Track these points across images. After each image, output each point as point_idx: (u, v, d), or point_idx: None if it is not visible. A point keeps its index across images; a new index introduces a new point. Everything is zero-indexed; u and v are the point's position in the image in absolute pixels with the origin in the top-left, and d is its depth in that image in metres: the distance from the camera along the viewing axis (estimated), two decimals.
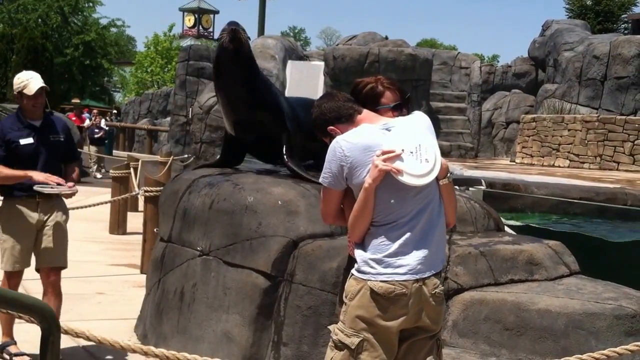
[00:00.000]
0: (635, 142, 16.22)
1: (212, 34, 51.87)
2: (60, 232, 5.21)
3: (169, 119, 25.34)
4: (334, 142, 3.10)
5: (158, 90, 34.89)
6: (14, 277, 5.15)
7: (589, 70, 19.21)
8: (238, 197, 4.90)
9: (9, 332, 5.14)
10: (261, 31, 25.67)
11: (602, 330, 4.26)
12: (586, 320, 4.28)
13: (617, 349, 3.59)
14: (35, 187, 4.95)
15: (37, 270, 5.20)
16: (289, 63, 21.74)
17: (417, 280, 3.00)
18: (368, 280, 3.01)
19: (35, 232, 5.14)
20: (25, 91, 5.09)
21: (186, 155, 18.19)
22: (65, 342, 4.01)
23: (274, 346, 4.61)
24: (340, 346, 3.06)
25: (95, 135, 21.65)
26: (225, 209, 4.91)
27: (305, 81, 20.90)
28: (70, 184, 5.13)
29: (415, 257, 3.01)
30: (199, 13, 51.74)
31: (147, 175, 10.39)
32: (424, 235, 3.05)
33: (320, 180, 3.16)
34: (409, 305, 3.00)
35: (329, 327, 3.22)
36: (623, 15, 29.20)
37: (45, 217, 5.15)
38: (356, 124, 3.16)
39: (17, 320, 3.44)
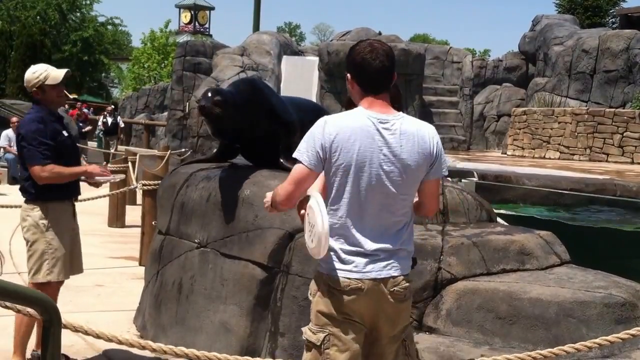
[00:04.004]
0: (624, 134, 16.34)
1: (208, 30, 51.87)
2: (79, 237, 5.07)
3: (166, 113, 25.31)
4: (320, 120, 3.00)
5: (155, 86, 34.75)
6: (55, 286, 4.81)
7: (578, 64, 19.32)
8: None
9: (22, 352, 4.78)
10: (256, 27, 25.61)
11: (593, 319, 4.31)
12: (577, 309, 4.33)
13: (609, 337, 3.60)
14: (98, 179, 4.88)
15: None
16: (284, 58, 21.79)
17: (372, 279, 2.96)
18: (325, 274, 2.99)
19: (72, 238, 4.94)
20: (49, 82, 4.74)
21: (183, 149, 18.19)
22: (66, 333, 4.06)
23: (271, 336, 4.67)
24: (308, 345, 3.03)
25: (83, 130, 21.89)
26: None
27: (300, 76, 20.96)
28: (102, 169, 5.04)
29: (371, 258, 2.97)
30: (195, 9, 51.63)
31: (145, 169, 10.42)
32: (383, 239, 2.99)
33: (296, 155, 2.99)
34: (365, 300, 2.95)
35: (302, 328, 3.17)
36: (611, 10, 29.31)
37: (75, 221, 5.01)
38: (366, 99, 3.03)
39: (17, 309, 3.46)
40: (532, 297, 4.41)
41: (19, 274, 7.40)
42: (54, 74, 4.76)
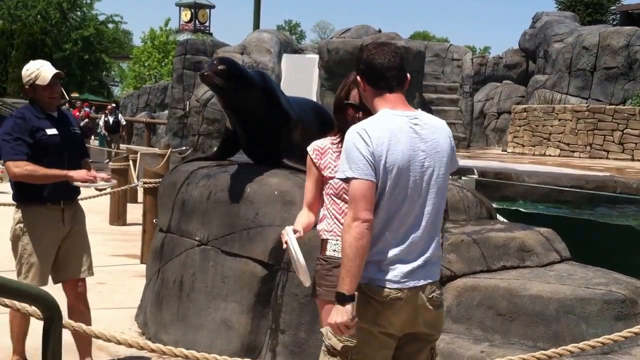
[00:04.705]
0: (625, 131, 16.33)
1: (208, 28, 51.93)
2: (86, 239, 4.82)
3: (166, 112, 25.36)
4: (354, 129, 2.85)
5: (156, 84, 34.83)
6: None
7: (578, 61, 19.30)
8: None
9: (20, 351, 4.70)
10: (256, 25, 25.64)
11: (593, 315, 4.33)
12: (577, 306, 4.35)
13: (612, 336, 3.59)
14: (76, 183, 4.52)
15: (56, 282, 4.75)
16: (284, 56, 21.80)
17: (411, 287, 2.85)
18: (362, 282, 2.83)
19: (59, 244, 4.66)
20: (38, 82, 4.52)
21: (184, 148, 18.22)
22: (67, 330, 4.05)
23: (272, 333, 4.69)
24: (332, 351, 2.90)
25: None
26: (223, 200, 4.96)
27: (300, 74, 20.97)
28: (104, 175, 4.70)
29: (412, 265, 2.85)
30: (195, 8, 51.70)
31: (146, 167, 10.43)
32: (423, 243, 2.89)
33: (345, 174, 2.81)
34: (404, 309, 2.84)
35: (321, 329, 3.07)
36: (612, 7, 29.32)
37: (70, 227, 4.69)
38: (383, 99, 2.94)
39: (17, 308, 3.44)
40: (532, 294, 4.42)
41: None
42: (44, 74, 4.54)
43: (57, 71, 4.60)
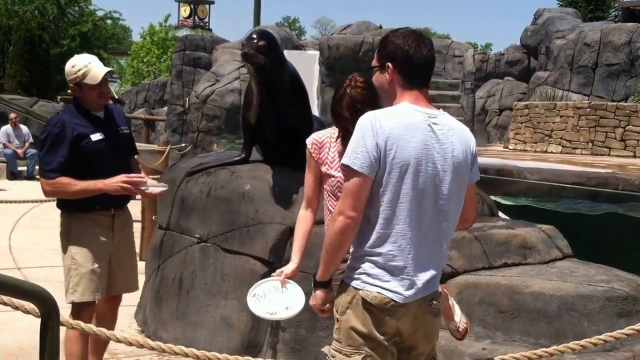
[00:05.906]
0: (626, 128, 16.30)
1: (207, 24, 51.82)
2: (133, 251, 4.52)
3: (165, 108, 25.37)
4: (367, 116, 2.67)
5: (154, 80, 34.75)
6: (88, 308, 4.16)
7: (580, 57, 19.28)
8: (235, 184, 4.94)
9: None
10: (257, 21, 25.64)
11: (595, 312, 4.33)
12: (579, 303, 4.35)
13: (614, 333, 3.56)
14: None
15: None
16: (285, 53, 21.78)
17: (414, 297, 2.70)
18: (361, 289, 2.67)
19: (109, 255, 4.26)
20: (87, 80, 4.06)
21: (183, 144, 18.21)
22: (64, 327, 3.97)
23: (273, 331, 4.67)
24: None
25: None
26: (222, 197, 4.94)
27: (300, 70, 20.84)
28: (154, 181, 4.29)
29: (419, 277, 2.68)
30: (195, 3, 51.57)
31: (144, 164, 10.39)
32: (431, 253, 2.72)
33: (348, 162, 2.63)
34: (405, 317, 2.69)
35: (322, 349, 2.88)
36: (614, 4, 29.30)
37: (119, 237, 4.30)
38: (408, 93, 2.77)
39: (15, 306, 3.36)
40: (534, 291, 4.41)
41: (18, 269, 7.41)
42: (94, 72, 4.08)
43: (109, 69, 4.21)
